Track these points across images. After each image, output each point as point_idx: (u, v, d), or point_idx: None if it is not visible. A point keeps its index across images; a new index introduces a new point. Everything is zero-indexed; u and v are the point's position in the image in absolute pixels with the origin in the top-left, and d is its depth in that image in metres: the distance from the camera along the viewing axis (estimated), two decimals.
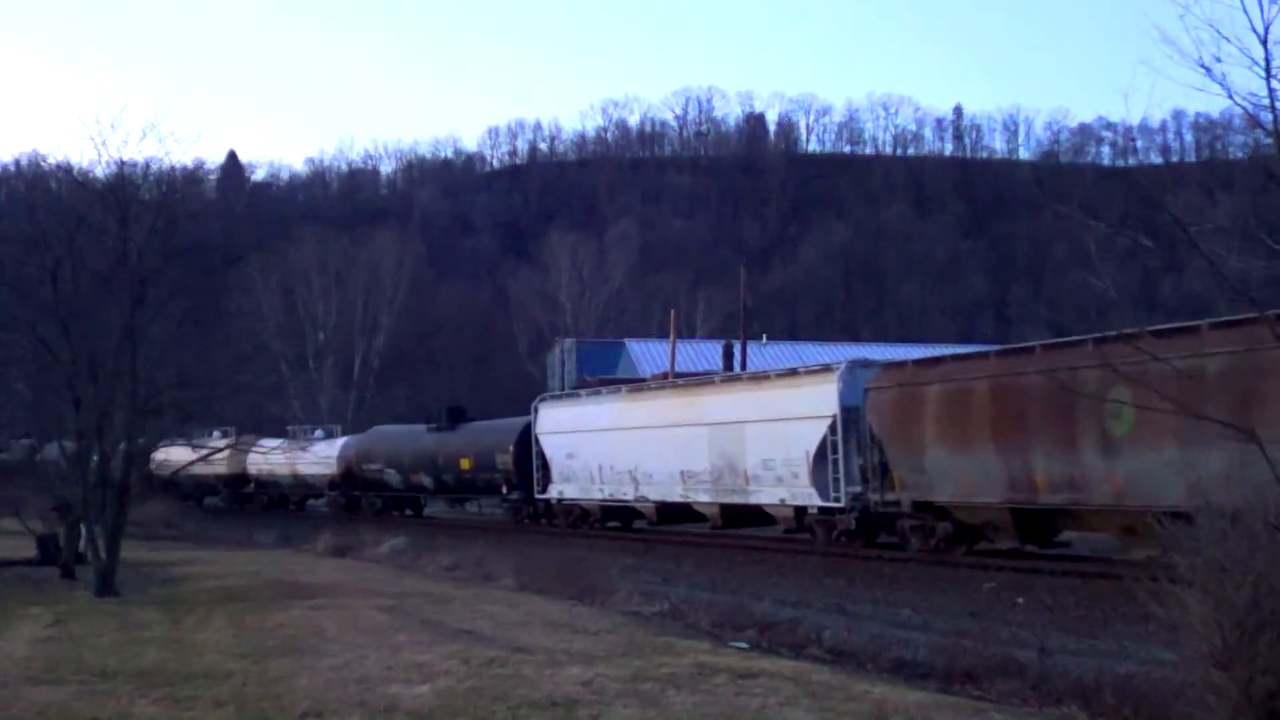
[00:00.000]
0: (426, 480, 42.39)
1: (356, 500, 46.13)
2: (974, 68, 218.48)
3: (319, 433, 52.51)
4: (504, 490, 38.15)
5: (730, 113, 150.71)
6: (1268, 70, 9.18)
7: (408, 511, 44.85)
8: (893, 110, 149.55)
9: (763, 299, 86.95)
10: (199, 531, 42.95)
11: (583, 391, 38.18)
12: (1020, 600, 18.66)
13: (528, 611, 17.35)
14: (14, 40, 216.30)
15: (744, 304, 52.47)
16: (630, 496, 31.89)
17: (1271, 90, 9.22)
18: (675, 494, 30.31)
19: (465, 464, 39.61)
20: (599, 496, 33.17)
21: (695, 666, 12.12)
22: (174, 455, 51.91)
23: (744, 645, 14.63)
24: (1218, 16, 9.03)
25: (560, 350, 69.69)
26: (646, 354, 64.21)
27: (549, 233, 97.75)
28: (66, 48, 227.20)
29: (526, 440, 36.43)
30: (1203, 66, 9.15)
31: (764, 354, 59.07)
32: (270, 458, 49.85)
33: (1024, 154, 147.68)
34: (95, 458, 22.86)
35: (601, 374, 62.74)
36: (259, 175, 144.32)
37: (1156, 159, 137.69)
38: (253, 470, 52.20)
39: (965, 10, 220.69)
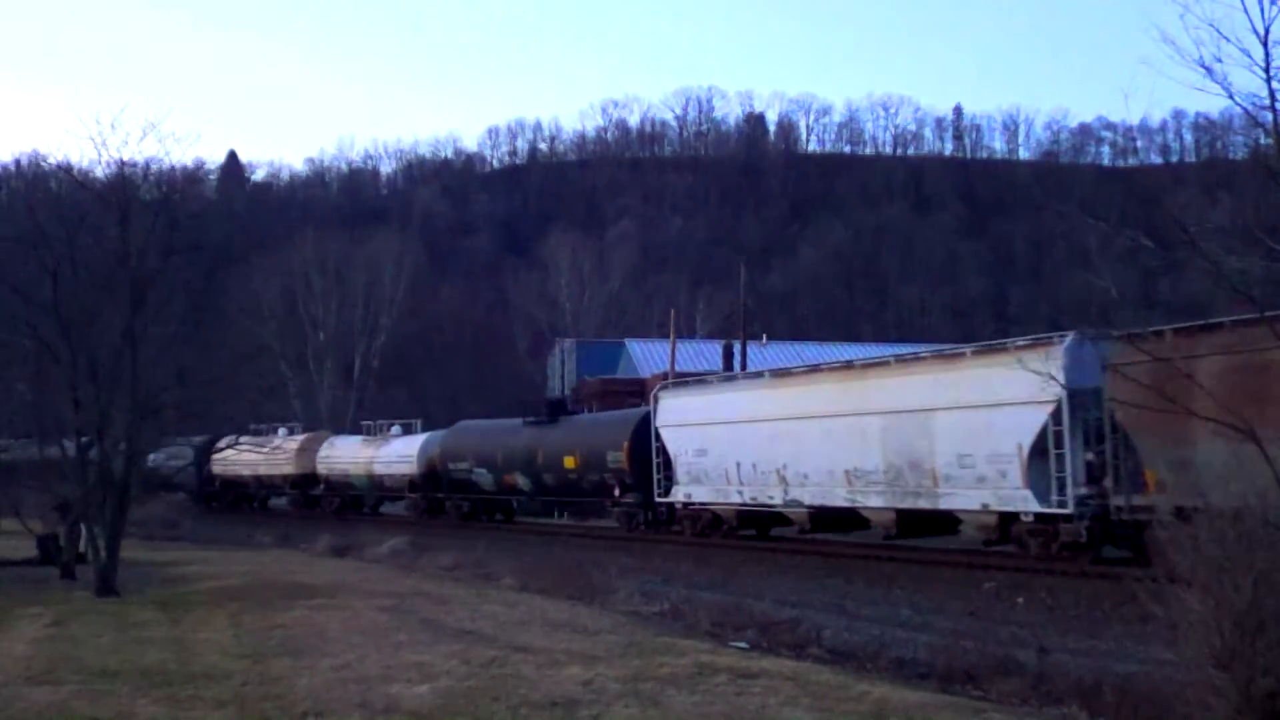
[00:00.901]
0: (523, 481, 37.87)
1: (439, 504, 42.11)
2: (974, 68, 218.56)
3: (396, 428, 48.07)
4: (616, 493, 33.37)
5: (730, 113, 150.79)
6: (1268, 70, 9.20)
7: (497, 516, 40.97)
8: (893, 110, 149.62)
9: (763, 299, 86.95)
10: (199, 531, 42.89)
11: (715, 377, 32.96)
12: (1020, 600, 18.66)
13: (528, 611, 17.35)
14: (14, 39, 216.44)
15: (744, 304, 52.46)
16: (778, 500, 27.13)
17: (1271, 90, 9.24)
18: (837, 497, 25.45)
19: (570, 462, 34.83)
20: (736, 500, 28.46)
21: (695, 666, 12.12)
22: (234, 453, 50.23)
23: (744, 645, 14.64)
24: (1218, 17, 9.06)
25: (560, 350, 69.72)
26: (646, 354, 64.22)
27: (549, 233, 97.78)
28: (67, 47, 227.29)
29: (644, 435, 31.69)
30: (1203, 66, 9.18)
31: (764, 354, 59.09)
32: (342, 456, 47.50)
33: (1024, 154, 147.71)
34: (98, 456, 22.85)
35: (601, 374, 62.81)
36: (259, 175, 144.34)
37: (1156, 159, 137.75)
38: (323, 470, 48.78)
39: (965, 10, 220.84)
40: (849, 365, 27.26)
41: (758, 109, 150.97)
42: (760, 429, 27.71)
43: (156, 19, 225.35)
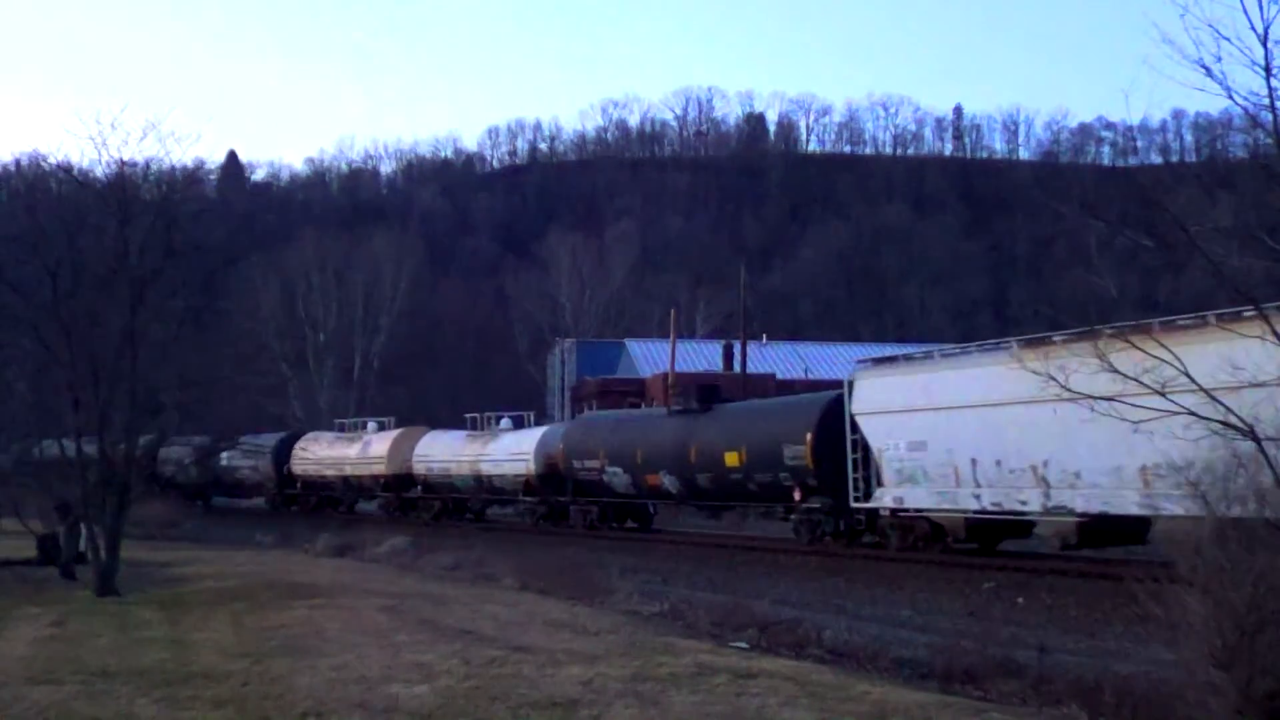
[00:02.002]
0: (669, 482, 31.73)
1: (563, 508, 36.47)
2: (974, 68, 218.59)
3: (505, 421, 42.19)
4: (795, 496, 27.23)
5: (730, 113, 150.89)
6: (1267, 70, 9.20)
7: (630, 524, 35.06)
8: (893, 110, 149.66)
9: (763, 299, 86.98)
10: (199, 531, 42.86)
11: (935, 351, 25.76)
12: (1020, 600, 18.66)
13: (528, 611, 17.35)
14: (15, 39, 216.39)
15: (744, 304, 52.50)
16: (1033, 505, 21.39)
17: (1271, 90, 9.23)
18: (1126, 502, 19.53)
19: (732, 459, 28.94)
20: (969, 506, 22.72)
21: (695, 666, 12.12)
22: (320, 450, 47.84)
23: (744, 645, 14.63)
24: (1218, 16, 9.05)
25: (560, 350, 69.78)
26: (646, 354, 64.26)
27: (549, 233, 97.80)
28: (67, 47, 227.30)
29: (833, 424, 25.68)
30: (1203, 66, 9.17)
31: (764, 354, 59.13)
32: (443, 453, 42.18)
33: (1024, 154, 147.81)
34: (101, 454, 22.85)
35: (602, 374, 62.88)
36: (259, 175, 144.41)
37: (1156, 159, 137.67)
38: (420, 469, 43.06)
39: (965, 10, 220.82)
40: (1140, 327, 17.16)
41: (758, 109, 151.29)
42: (1005, 415, 21.50)
43: (157, 19, 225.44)
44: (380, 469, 44.61)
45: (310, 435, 50.80)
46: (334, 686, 11.39)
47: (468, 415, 43.65)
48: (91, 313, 23.06)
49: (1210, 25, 9.06)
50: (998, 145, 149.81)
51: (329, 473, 47.62)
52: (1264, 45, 9.16)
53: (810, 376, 58.74)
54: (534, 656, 12.83)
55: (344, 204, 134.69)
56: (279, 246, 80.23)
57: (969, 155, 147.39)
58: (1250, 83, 9.37)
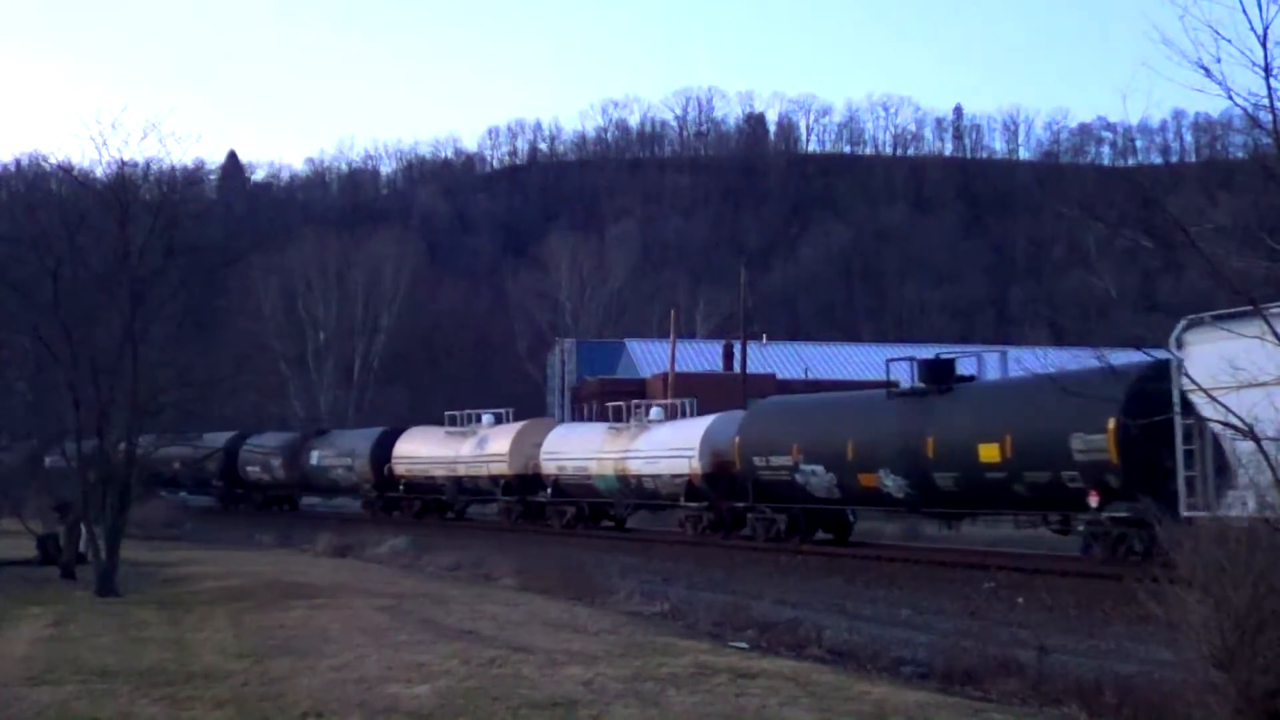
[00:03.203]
0: (893, 484, 25.54)
1: (739, 515, 30.21)
2: (974, 68, 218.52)
3: (655, 411, 36.03)
4: (1092, 502, 21.22)
5: (730, 113, 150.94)
6: (1267, 70, 9.19)
7: (820, 534, 28.80)
8: (893, 110, 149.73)
9: (763, 299, 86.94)
10: (199, 531, 42.80)
11: None
12: (1020, 600, 18.66)
13: (528, 611, 17.35)
14: (15, 40, 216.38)
15: (744, 304, 52.51)
16: None
17: (1271, 90, 9.23)
18: None
19: (990, 453, 22.97)
20: None
21: (695, 666, 12.12)
22: (426, 447, 42.86)
23: (744, 645, 14.63)
24: (1217, 17, 9.04)
25: (560, 350, 69.77)
26: (646, 354, 64.27)
27: (549, 233, 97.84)
28: (67, 47, 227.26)
29: (1146, 404, 18.28)
30: (1202, 67, 9.16)
31: (764, 354, 59.14)
32: (579, 450, 36.22)
33: (1024, 154, 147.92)
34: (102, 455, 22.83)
35: (601, 374, 62.87)
36: (259, 175, 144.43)
37: (1156, 159, 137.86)
38: (550, 468, 37.03)
39: (965, 10, 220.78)
40: None
41: (758, 109, 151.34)
42: None
43: (157, 19, 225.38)
44: (500, 468, 38.75)
45: (415, 430, 45.38)
46: (334, 686, 11.39)
47: (610, 405, 38.25)
48: (91, 313, 23.06)
49: (1210, 26, 9.05)
50: (998, 145, 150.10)
51: (437, 473, 42.01)
52: (1263, 46, 9.16)
53: (810, 376, 58.76)
54: (534, 656, 12.84)
55: (344, 204, 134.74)
56: (279, 246, 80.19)
57: (969, 155, 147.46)
58: (1250, 83, 9.37)
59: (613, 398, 48.61)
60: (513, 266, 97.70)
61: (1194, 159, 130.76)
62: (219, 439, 51.02)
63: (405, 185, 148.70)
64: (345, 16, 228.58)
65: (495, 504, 40.58)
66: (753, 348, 54.00)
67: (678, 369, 49.91)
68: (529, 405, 63.51)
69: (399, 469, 43.91)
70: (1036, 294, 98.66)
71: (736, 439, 29.98)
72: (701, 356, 60.16)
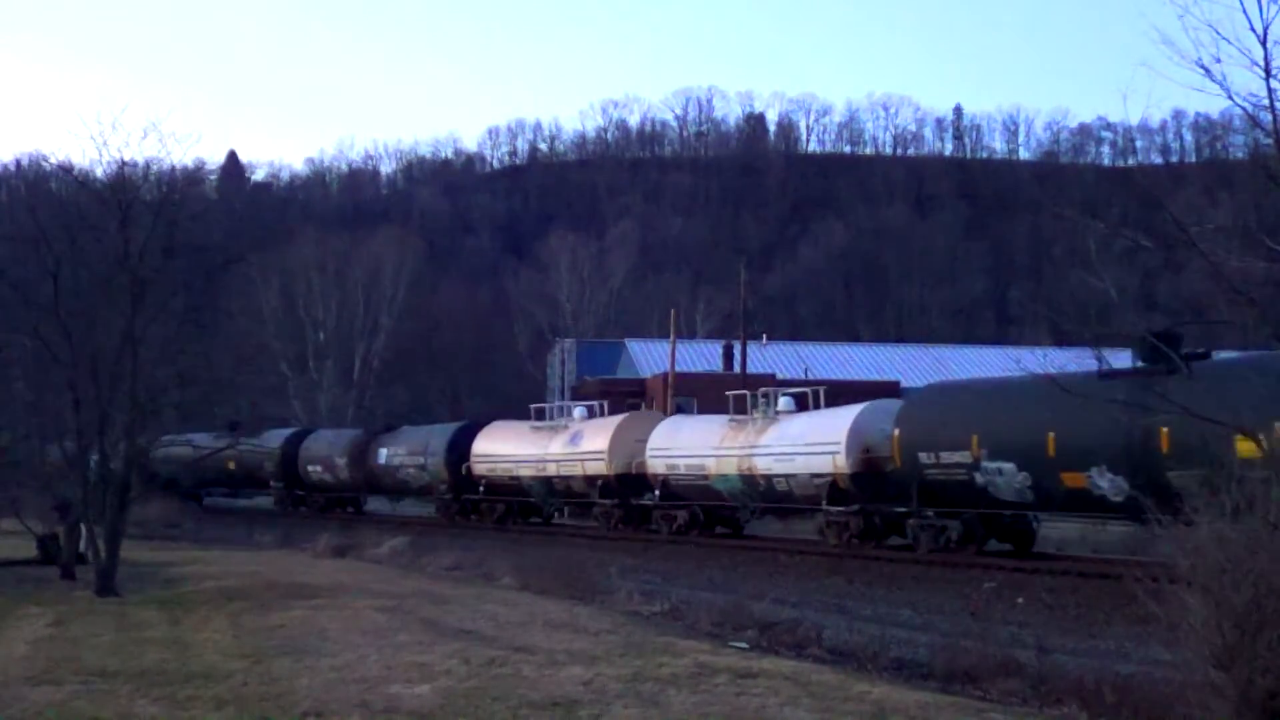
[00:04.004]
0: (1108, 484, 20.95)
1: (894, 521, 25.82)
2: (974, 68, 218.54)
3: (785, 401, 30.93)
4: None
5: (730, 113, 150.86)
6: (1267, 70, 9.20)
7: (1002, 546, 24.41)
8: (893, 110, 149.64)
9: (763, 299, 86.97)
10: (199, 531, 42.79)
11: None
12: (1020, 600, 18.66)
13: (528, 611, 17.34)
14: (15, 40, 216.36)
15: (744, 304, 52.48)
16: None
17: (1271, 90, 9.24)
18: None
19: (1247, 449, 15.18)
20: None
21: (695, 666, 12.12)
22: (509, 444, 38.45)
23: (744, 645, 14.64)
24: (1217, 17, 9.05)
25: (560, 350, 69.68)
26: (646, 354, 64.19)
27: (549, 233, 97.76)
28: (68, 48, 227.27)
29: None
30: (1202, 67, 9.18)
31: (764, 354, 59.08)
32: (693, 446, 31.53)
33: (1024, 154, 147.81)
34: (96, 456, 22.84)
35: (601, 374, 62.83)
36: (259, 175, 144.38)
37: (1156, 159, 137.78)
38: (657, 467, 32.17)
39: (965, 10, 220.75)
40: None
41: (758, 109, 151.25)
42: None
43: (157, 19, 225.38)
44: (598, 467, 34.17)
45: (496, 425, 41.60)
46: (334, 686, 11.39)
47: (731, 393, 32.71)
48: (91, 313, 23.06)
49: (1210, 26, 9.06)
50: (998, 145, 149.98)
51: (523, 473, 37.45)
52: (1263, 46, 9.17)
53: (810, 376, 58.70)
54: (534, 656, 12.83)
55: (344, 204, 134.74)
56: (279, 246, 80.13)
57: (969, 155, 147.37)
58: (1249, 83, 9.38)
59: (613, 398, 47.60)
60: (513, 266, 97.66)
61: (1194, 159, 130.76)
62: (277, 436, 49.03)
63: (405, 185, 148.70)
64: (345, 16, 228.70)
65: (591, 508, 35.44)
66: (753, 348, 53.94)
67: (678, 369, 49.87)
68: (529, 405, 63.46)
69: (479, 468, 39.42)
70: (1036, 294, 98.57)
71: (895, 432, 25.35)
72: (701, 356, 60.08)
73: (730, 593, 20.40)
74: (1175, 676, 9.64)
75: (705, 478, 30.80)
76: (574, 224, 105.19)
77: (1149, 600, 9.23)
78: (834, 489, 26.91)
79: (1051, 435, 21.78)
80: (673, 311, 53.44)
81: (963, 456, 23.56)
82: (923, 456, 24.39)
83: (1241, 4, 9.15)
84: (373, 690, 11.16)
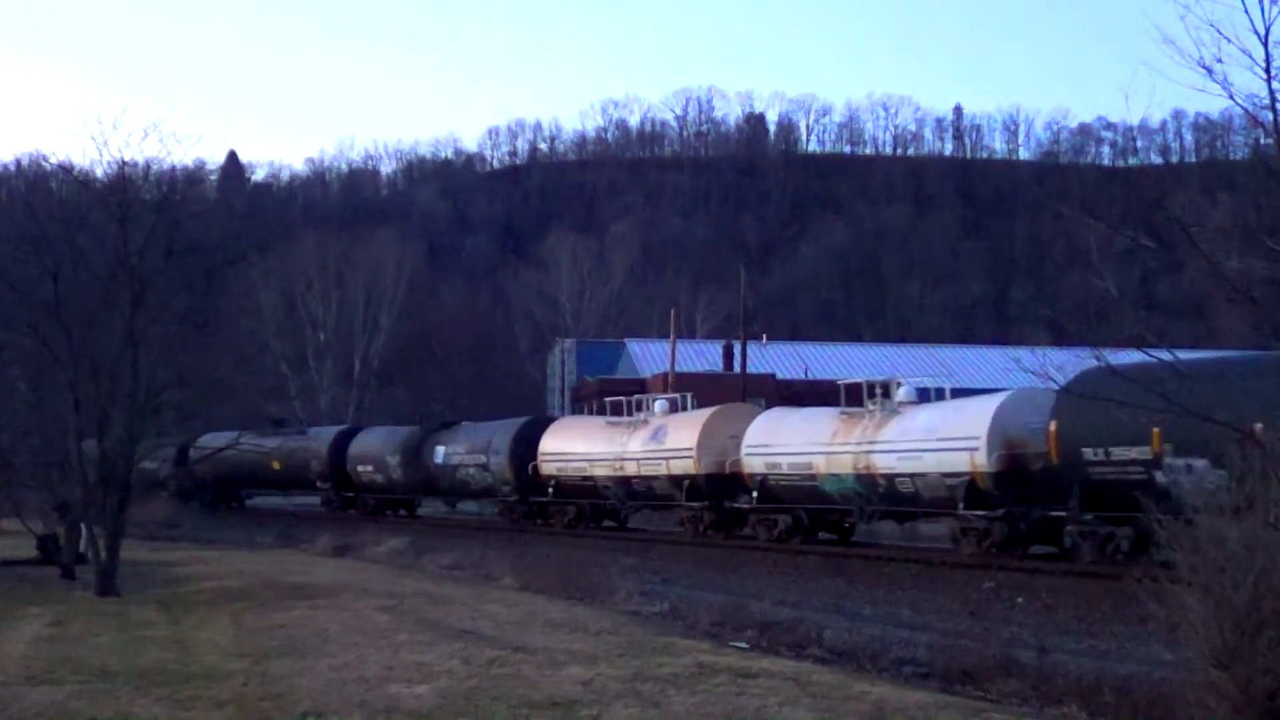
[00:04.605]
0: None
1: (1049, 526, 22.66)
2: (974, 68, 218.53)
3: (906, 390, 27.19)
4: None
5: (730, 113, 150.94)
6: (1268, 71, 9.19)
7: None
8: (893, 110, 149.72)
9: (763, 299, 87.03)
10: (199, 531, 42.74)
11: None
12: (1020, 600, 18.67)
13: (528, 611, 17.34)
14: (16, 40, 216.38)
15: (744, 304, 52.49)
16: None
17: (1272, 90, 9.22)
18: None
19: None
20: None
21: (695, 666, 12.12)
22: (580, 441, 35.64)
23: (744, 645, 14.63)
24: (1218, 17, 9.03)
25: (560, 350, 69.77)
26: (646, 354, 64.24)
27: (549, 233, 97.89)
28: (68, 48, 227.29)
29: None
30: (1203, 67, 9.15)
31: (764, 354, 59.13)
32: (799, 441, 28.20)
33: (1024, 154, 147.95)
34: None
35: (601, 374, 62.88)
36: (259, 175, 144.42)
37: (1156, 159, 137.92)
38: (754, 466, 29.12)
39: (965, 10, 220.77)
40: None
41: (758, 109, 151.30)
42: None
43: (157, 19, 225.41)
44: (685, 466, 30.93)
45: (566, 421, 39.84)
46: (334, 686, 11.39)
47: (842, 382, 29.16)
48: (92, 313, 23.05)
49: (1211, 25, 9.05)
50: (998, 145, 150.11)
51: (598, 472, 34.34)
52: (1264, 45, 9.15)
53: (810, 376, 58.69)
54: (534, 656, 12.83)
55: (344, 204, 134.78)
56: (279, 246, 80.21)
57: (969, 155, 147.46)
58: (1250, 83, 9.37)
59: (612, 398, 47.07)
60: (513, 266, 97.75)
61: (1194, 159, 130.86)
62: (325, 434, 47.82)
63: (405, 185, 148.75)
64: (345, 16, 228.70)
65: (679, 510, 31.96)
66: (753, 348, 53.99)
67: (678, 369, 49.91)
68: (529, 405, 63.55)
69: (547, 468, 36.24)
70: (1036, 294, 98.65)
71: (1052, 425, 22.16)
72: (701, 356, 60.13)
73: (730, 593, 20.41)
74: (1175, 676, 9.65)
75: (812, 478, 27.55)
76: (574, 224, 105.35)
77: (1149, 600, 9.23)
78: (971, 490, 23.64)
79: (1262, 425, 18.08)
80: (673, 311, 53.49)
81: (1140, 452, 20.55)
82: (1087, 453, 21.39)
83: (1243, 4, 9.14)
84: (373, 690, 11.16)
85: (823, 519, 28.46)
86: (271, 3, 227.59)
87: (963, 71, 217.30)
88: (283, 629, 15.78)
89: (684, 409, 34.07)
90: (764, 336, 65.99)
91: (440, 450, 40.94)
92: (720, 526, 30.46)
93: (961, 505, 23.91)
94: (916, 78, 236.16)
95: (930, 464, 24.79)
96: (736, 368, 51.67)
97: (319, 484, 47.73)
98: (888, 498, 26.09)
